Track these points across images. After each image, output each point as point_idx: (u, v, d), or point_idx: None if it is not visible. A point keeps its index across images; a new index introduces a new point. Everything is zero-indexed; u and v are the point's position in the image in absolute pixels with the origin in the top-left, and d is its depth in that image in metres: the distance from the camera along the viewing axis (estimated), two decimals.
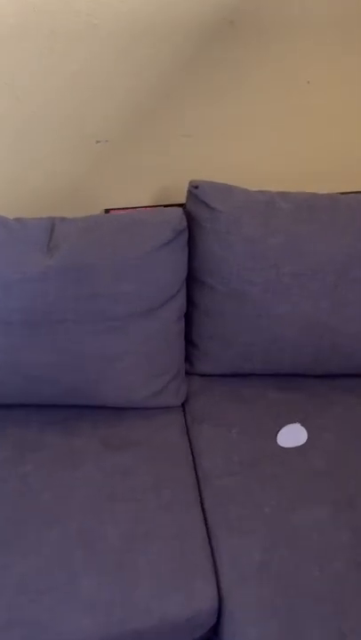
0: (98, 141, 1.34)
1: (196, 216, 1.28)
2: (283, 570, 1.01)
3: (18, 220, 1.26)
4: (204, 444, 1.23)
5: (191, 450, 1.24)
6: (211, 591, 0.98)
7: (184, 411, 1.32)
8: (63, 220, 1.28)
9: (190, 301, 1.34)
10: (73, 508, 1.09)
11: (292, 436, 1.25)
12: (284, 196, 1.31)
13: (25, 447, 1.20)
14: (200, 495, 1.15)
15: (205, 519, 1.10)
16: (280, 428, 1.26)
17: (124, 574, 0.99)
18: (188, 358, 1.39)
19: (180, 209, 1.27)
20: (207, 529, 1.09)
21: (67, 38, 1.19)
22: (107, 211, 1.45)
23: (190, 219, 1.29)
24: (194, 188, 1.29)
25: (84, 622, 0.94)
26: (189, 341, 1.37)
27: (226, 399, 1.33)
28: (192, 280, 1.32)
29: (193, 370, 1.38)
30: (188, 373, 1.39)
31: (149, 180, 1.44)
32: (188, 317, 1.35)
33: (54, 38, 1.19)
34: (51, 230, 1.25)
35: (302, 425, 1.27)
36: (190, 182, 1.31)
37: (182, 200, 1.48)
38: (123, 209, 1.46)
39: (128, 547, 1.03)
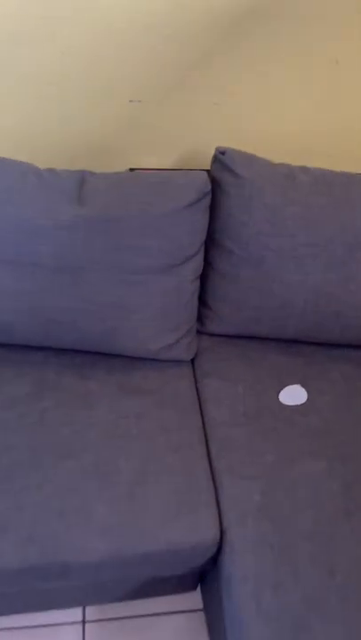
0: (131, 101, 1.38)
1: (220, 180, 1.34)
2: (279, 511, 1.10)
3: (50, 170, 1.30)
4: (211, 396, 1.31)
5: (199, 400, 1.32)
6: (213, 524, 1.08)
7: (193, 366, 1.40)
8: (92, 174, 1.33)
9: (207, 263, 1.40)
10: (88, 442, 1.17)
11: (293, 395, 1.34)
12: (303, 170, 1.38)
13: (44, 386, 1.27)
14: (206, 441, 1.23)
15: (210, 462, 1.19)
16: (282, 388, 1.35)
17: (135, 504, 1.08)
18: (199, 318, 1.46)
19: (205, 172, 1.33)
20: (212, 471, 1.18)
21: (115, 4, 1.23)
22: (131, 169, 1.50)
23: (214, 183, 1.35)
24: (220, 154, 1.35)
25: (98, 544, 1.03)
26: (202, 302, 1.44)
27: (233, 358, 1.41)
28: (211, 242, 1.38)
29: (203, 329, 1.46)
30: (198, 332, 1.47)
31: (175, 143, 1.49)
32: (204, 279, 1.42)
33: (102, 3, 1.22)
34: (81, 182, 1.30)
35: (302, 386, 1.36)
36: (217, 148, 1.36)
37: (203, 166, 1.54)
38: (147, 169, 1.51)
39: (139, 480, 1.11)
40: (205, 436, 1.24)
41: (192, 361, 1.41)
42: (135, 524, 1.05)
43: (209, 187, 1.31)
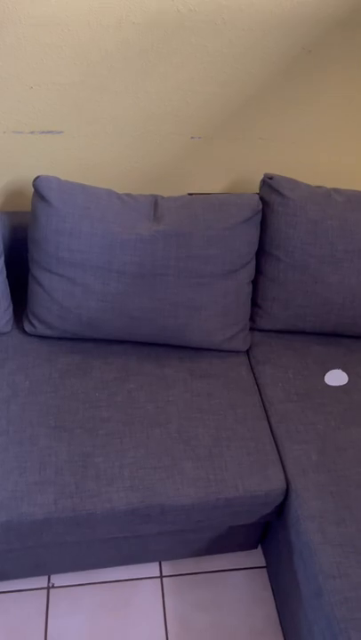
0: (192, 137, 1.67)
1: (269, 201, 1.61)
2: (334, 466, 1.33)
3: (128, 195, 1.58)
4: (266, 380, 1.56)
5: (256, 383, 1.56)
6: (281, 476, 1.31)
7: (248, 356, 1.65)
8: (163, 197, 1.60)
9: (258, 269, 1.66)
10: (171, 415, 1.41)
11: (336, 377, 1.57)
12: (337, 191, 1.65)
13: (128, 372, 1.52)
14: (266, 414, 1.47)
15: (272, 431, 1.43)
16: (326, 372, 1.59)
17: (215, 462, 1.31)
18: (251, 317, 1.71)
19: (256, 195, 1.61)
20: (274, 437, 1.41)
21: (180, 52, 1.52)
22: (190, 194, 1.78)
23: (264, 203, 1.62)
24: (268, 179, 1.62)
25: (189, 491, 1.26)
26: (254, 302, 1.70)
27: (282, 349, 1.66)
28: (261, 252, 1.65)
29: (255, 326, 1.71)
30: (251, 329, 1.72)
31: (225, 172, 1.78)
32: (255, 283, 1.68)
33: (172, 50, 1.52)
34: (155, 204, 1.57)
35: (343, 371, 1.60)
36: (265, 174, 1.64)
37: (249, 190, 1.82)
38: (203, 194, 1.79)
39: (216, 444, 1.35)
40: (265, 411, 1.48)
41: (247, 352, 1.66)
42: (218, 476, 1.29)
43: (260, 206, 1.58)
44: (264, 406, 1.49)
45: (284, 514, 1.34)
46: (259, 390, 1.54)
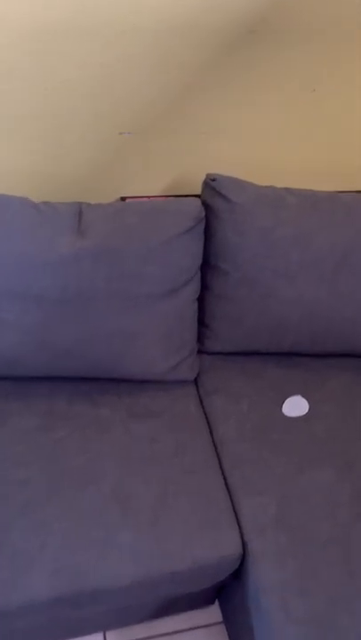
0: (121, 133, 1.43)
1: (212, 206, 1.39)
2: (295, 521, 1.15)
3: (46, 203, 1.33)
4: (217, 414, 1.36)
5: (206, 418, 1.36)
6: (235, 539, 1.11)
7: (197, 384, 1.44)
8: (88, 205, 1.36)
9: (204, 285, 1.45)
10: (106, 469, 1.19)
11: (295, 406, 1.39)
12: (289, 191, 1.45)
13: (55, 416, 1.29)
14: (218, 458, 1.27)
15: (225, 479, 1.23)
16: (284, 399, 1.41)
17: (159, 527, 1.11)
18: (199, 338, 1.51)
19: (198, 199, 1.39)
20: (227, 488, 1.22)
21: (104, 37, 1.27)
22: (123, 198, 1.54)
23: (207, 208, 1.40)
24: (211, 181, 1.40)
25: (126, 569, 1.05)
26: (201, 322, 1.49)
27: (234, 374, 1.46)
28: (207, 265, 1.43)
29: (203, 348, 1.51)
30: (198, 352, 1.51)
31: (163, 171, 1.54)
32: (201, 300, 1.46)
33: (92, 37, 1.26)
34: (79, 215, 1.33)
35: (303, 397, 1.42)
36: (207, 175, 1.42)
37: (191, 191, 1.59)
38: (137, 197, 1.56)
39: (159, 504, 1.14)
40: (217, 453, 1.29)
41: (195, 380, 1.45)
42: (161, 546, 1.08)
43: (203, 213, 1.37)
44: (215, 449, 1.30)
45: (241, 578, 1.16)
46: (209, 428, 1.34)
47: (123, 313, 1.30)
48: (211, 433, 1.33)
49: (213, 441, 1.31)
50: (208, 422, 1.35)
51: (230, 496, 1.20)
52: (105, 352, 1.32)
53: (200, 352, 1.51)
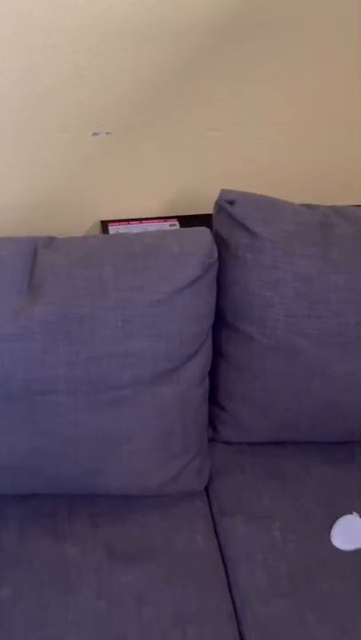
0: (95, 134, 0.98)
1: (229, 242, 0.95)
2: None
3: None
4: (238, 549, 0.94)
5: (222, 556, 0.94)
6: None
7: (208, 496, 1.02)
8: (49, 242, 0.93)
9: (217, 351, 1.02)
10: None
11: (351, 532, 0.97)
12: (339, 213, 1.00)
13: (1, 561, 0.89)
14: (239, 630, 0.86)
15: None
16: (334, 521, 0.98)
17: None
18: (210, 421, 1.08)
19: (209, 232, 0.94)
20: None
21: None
22: (103, 224, 1.10)
23: (221, 244, 0.96)
24: (227, 204, 0.96)
25: None
26: (214, 401, 1.06)
27: (260, 477, 1.04)
28: (221, 324, 1.00)
29: (217, 436, 1.08)
30: (210, 440, 1.09)
31: (156, 184, 1.10)
32: (214, 371, 1.04)
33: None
34: (32, 261, 0.90)
35: None
36: (222, 193, 0.97)
37: (198, 210, 1.15)
38: (123, 222, 1.11)
39: None
40: (237, 620, 0.87)
41: (206, 488, 1.04)
42: None
43: (215, 254, 0.93)
44: (236, 615, 0.88)
45: None
46: (226, 573, 0.93)
47: (95, 411, 0.88)
48: (229, 584, 0.91)
49: (232, 598, 0.90)
50: (224, 563, 0.94)
51: None
52: (72, 467, 0.90)
53: (211, 440, 1.09)
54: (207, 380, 1.00)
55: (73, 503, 0.97)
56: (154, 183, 1.08)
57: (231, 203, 0.95)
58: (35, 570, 0.88)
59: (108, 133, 0.98)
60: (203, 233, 0.94)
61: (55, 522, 0.94)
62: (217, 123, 1.01)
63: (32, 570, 0.88)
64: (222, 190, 0.98)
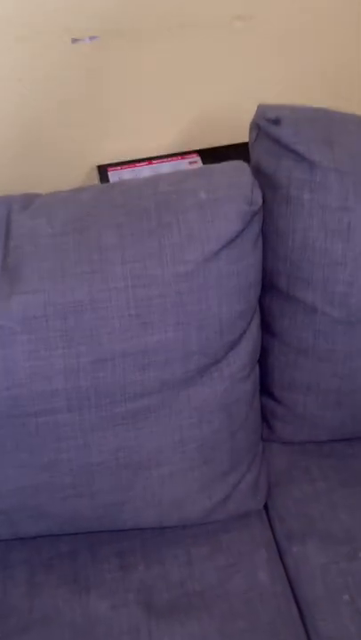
0: (75, 40, 0.69)
1: (276, 178, 0.68)
2: None
3: None
4: (316, 587, 0.72)
5: (295, 599, 0.73)
6: None
7: (268, 515, 0.80)
8: (26, 202, 0.68)
9: (267, 329, 0.77)
10: None
11: None
12: None
13: (10, 624, 0.69)
14: None
15: None
16: None
17: None
18: (264, 417, 0.84)
19: (247, 167, 0.67)
20: None
21: None
22: (101, 169, 0.83)
23: (265, 183, 0.69)
24: (270, 124, 0.68)
25: None
26: (266, 393, 0.82)
27: (333, 484, 0.80)
28: (271, 294, 0.74)
29: (273, 436, 0.84)
30: (264, 440, 0.85)
31: (164, 106, 0.81)
32: (264, 355, 0.79)
33: None
34: (4, 231, 0.65)
35: None
36: (261, 110, 0.68)
37: (226, 140, 0.87)
38: (127, 164, 0.84)
39: None
40: None
41: (265, 505, 0.81)
42: None
43: (259, 197, 0.66)
44: None
45: None
46: (303, 624, 0.71)
47: (111, 429, 0.65)
48: (307, 633, 0.70)
49: None
50: (299, 607, 0.72)
51: None
52: (85, 502, 0.68)
53: (266, 441, 0.85)
54: (257, 370, 0.76)
55: (95, 538, 0.76)
56: (162, 107, 0.79)
57: (276, 122, 0.67)
58: (53, 636, 0.69)
59: (92, 38, 0.70)
60: (239, 169, 0.67)
61: (74, 566, 0.74)
62: (246, 6, 0.69)
63: (49, 636, 0.69)
64: (260, 106, 0.70)
